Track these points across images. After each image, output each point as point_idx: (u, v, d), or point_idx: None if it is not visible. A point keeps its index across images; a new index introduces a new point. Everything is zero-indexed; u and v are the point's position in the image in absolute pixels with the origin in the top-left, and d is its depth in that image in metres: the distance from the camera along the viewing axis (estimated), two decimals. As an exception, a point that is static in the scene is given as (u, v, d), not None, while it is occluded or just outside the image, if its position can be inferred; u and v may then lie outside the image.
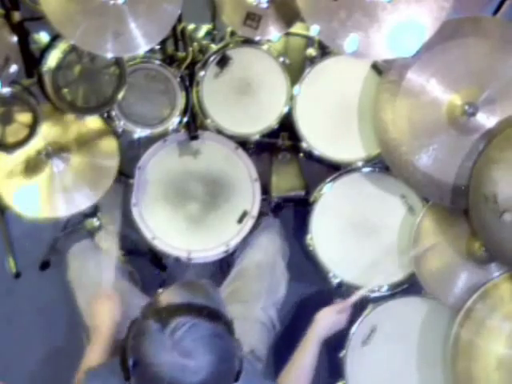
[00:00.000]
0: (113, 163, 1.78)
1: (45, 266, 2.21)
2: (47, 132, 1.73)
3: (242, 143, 1.92)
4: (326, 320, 1.61)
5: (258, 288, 1.75)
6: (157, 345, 1.08)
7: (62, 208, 1.73)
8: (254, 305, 1.75)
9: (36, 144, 1.70)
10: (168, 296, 1.16)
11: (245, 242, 1.85)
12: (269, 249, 1.84)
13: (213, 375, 1.08)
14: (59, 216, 1.74)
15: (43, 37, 1.59)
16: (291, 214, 2.23)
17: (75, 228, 2.16)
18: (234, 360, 1.14)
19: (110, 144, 1.80)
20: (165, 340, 1.07)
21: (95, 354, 1.51)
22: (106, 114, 1.79)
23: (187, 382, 1.07)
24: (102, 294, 1.62)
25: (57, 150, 1.74)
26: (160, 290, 1.20)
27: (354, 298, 1.66)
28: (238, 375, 1.16)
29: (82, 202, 1.74)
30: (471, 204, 1.60)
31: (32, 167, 1.73)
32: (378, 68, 1.78)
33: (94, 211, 2.03)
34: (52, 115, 1.73)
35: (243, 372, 1.17)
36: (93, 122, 1.79)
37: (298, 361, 1.56)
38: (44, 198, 1.72)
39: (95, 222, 2.09)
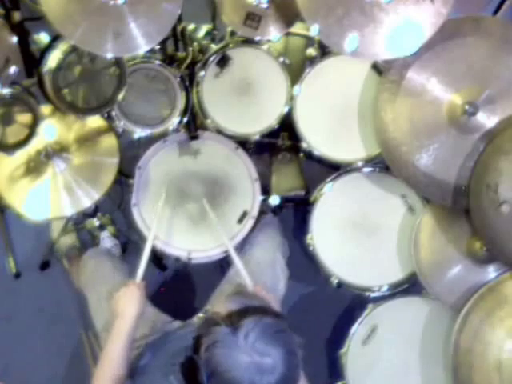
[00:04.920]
0: (114, 159, 1.78)
1: (45, 265, 2.21)
2: (47, 133, 1.74)
3: (242, 143, 1.92)
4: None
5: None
6: (232, 349, 1.08)
7: (68, 206, 1.74)
8: None
9: (36, 145, 1.70)
10: (224, 306, 1.16)
11: (244, 241, 1.85)
12: (268, 246, 1.83)
13: (286, 372, 1.09)
14: (65, 215, 1.75)
15: (43, 37, 1.59)
16: (291, 214, 2.23)
17: (75, 228, 2.16)
18: (298, 352, 1.14)
19: (109, 140, 1.80)
20: (240, 343, 1.08)
21: (115, 345, 1.45)
22: (106, 115, 1.79)
23: (265, 383, 1.07)
24: (132, 282, 1.58)
25: (57, 151, 1.74)
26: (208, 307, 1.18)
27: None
28: None
29: (85, 200, 1.75)
30: (472, 189, 1.59)
31: (33, 169, 1.73)
32: (378, 68, 1.78)
33: (94, 211, 2.04)
34: (52, 115, 1.74)
35: None
36: (92, 121, 1.79)
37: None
38: (52, 198, 1.73)
39: (95, 221, 2.10)
